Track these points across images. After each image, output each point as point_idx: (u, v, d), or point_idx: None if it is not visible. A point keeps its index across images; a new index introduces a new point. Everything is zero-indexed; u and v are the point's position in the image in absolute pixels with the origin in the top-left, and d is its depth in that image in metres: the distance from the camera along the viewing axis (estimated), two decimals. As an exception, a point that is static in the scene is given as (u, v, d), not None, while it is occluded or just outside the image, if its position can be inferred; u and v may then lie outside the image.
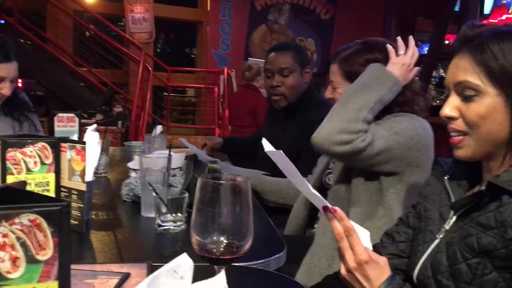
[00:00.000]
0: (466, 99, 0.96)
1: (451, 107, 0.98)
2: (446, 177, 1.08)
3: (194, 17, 8.76)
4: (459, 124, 0.98)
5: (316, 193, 0.95)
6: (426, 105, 1.57)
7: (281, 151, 0.89)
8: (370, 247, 1.00)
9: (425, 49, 8.18)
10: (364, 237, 1.01)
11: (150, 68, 7.45)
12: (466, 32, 0.99)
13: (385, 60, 1.51)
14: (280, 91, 2.19)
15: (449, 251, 0.96)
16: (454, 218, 1.02)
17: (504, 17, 6.28)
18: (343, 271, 0.97)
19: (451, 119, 0.99)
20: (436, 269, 0.98)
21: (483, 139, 0.95)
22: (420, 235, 1.10)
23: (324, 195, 1.35)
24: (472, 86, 0.94)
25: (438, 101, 6.17)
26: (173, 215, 1.34)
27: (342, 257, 0.95)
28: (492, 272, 0.89)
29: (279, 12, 8.88)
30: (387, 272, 0.95)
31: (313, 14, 9.01)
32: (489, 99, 0.93)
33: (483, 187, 0.95)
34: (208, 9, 8.54)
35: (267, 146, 0.92)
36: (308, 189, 0.94)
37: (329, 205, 0.94)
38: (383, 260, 0.96)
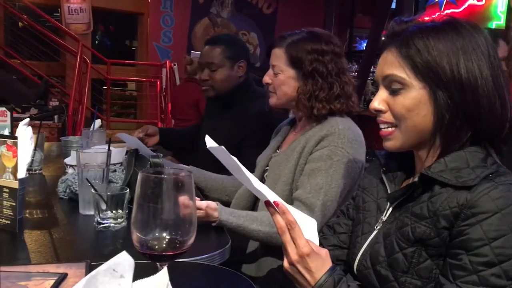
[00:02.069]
0: (393, 92, 0.99)
1: (379, 100, 1.01)
2: (382, 170, 1.11)
3: (134, 8, 8.52)
4: (387, 117, 1.01)
5: (261, 187, 0.95)
6: (358, 101, 1.63)
7: (223, 147, 0.88)
8: (317, 236, 1.02)
9: (364, 45, 8.44)
10: (311, 226, 1.03)
11: (88, 61, 7.18)
12: (393, 28, 1.02)
13: (332, 53, 1.55)
14: (208, 83, 2.19)
15: (386, 241, 0.99)
16: (391, 209, 1.05)
17: (436, 14, 6.59)
18: (285, 264, 0.98)
19: (379, 112, 1.02)
20: (374, 260, 1.01)
21: (410, 130, 0.98)
22: (358, 227, 1.13)
23: None
24: (398, 80, 0.97)
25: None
26: (113, 212, 1.30)
27: (285, 250, 0.96)
28: (427, 260, 0.93)
29: (221, 5, 8.84)
30: (328, 264, 0.97)
31: (256, 8, 9.04)
32: (414, 92, 0.96)
33: (415, 179, 0.99)
34: (149, 0, 8.35)
35: (209, 142, 0.91)
36: (251, 184, 0.94)
37: (271, 200, 0.94)
38: (324, 252, 0.98)
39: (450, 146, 0.96)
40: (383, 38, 1.09)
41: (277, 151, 1.70)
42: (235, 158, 0.92)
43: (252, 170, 1.13)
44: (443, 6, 6.60)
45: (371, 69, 6.57)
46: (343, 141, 1.47)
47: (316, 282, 0.95)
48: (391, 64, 0.98)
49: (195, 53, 5.27)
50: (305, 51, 1.54)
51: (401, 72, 0.96)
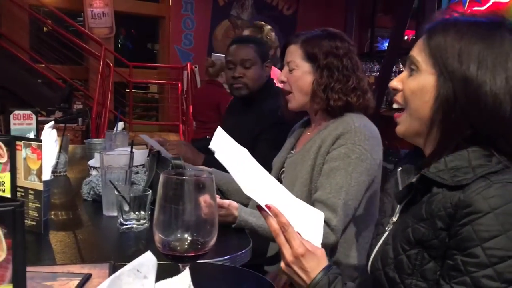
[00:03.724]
0: (410, 73, 1.00)
1: (398, 79, 1.03)
2: (399, 169, 1.10)
3: (155, 11, 8.61)
4: (398, 97, 1.02)
5: (255, 193, 0.96)
6: (373, 100, 1.62)
7: (231, 140, 0.90)
8: (321, 231, 1.04)
9: (385, 45, 8.35)
10: (316, 221, 1.04)
11: (111, 64, 7.28)
12: (436, 15, 1.03)
13: (346, 49, 1.55)
14: (242, 81, 2.19)
15: (394, 243, 0.98)
16: (399, 210, 1.04)
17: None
18: (282, 265, 0.99)
19: (395, 90, 1.03)
20: (384, 261, 1.00)
21: (413, 115, 0.98)
22: (376, 228, 1.13)
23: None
24: (414, 61, 0.98)
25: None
26: (136, 213, 1.31)
27: (281, 252, 0.98)
28: (430, 262, 0.91)
29: (241, 7, 8.86)
30: (323, 263, 0.98)
31: (276, 10, 9.04)
32: (423, 76, 0.96)
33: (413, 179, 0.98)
34: (170, 3, 8.43)
35: (213, 144, 0.96)
36: (247, 188, 0.95)
37: (263, 204, 0.95)
38: (320, 251, 0.99)
39: (446, 141, 0.94)
40: (405, 37, 1.09)
41: (292, 152, 1.70)
42: (245, 150, 0.93)
43: (262, 163, 1.13)
44: (467, 4, 6.48)
45: (393, 69, 6.49)
46: (360, 138, 1.46)
47: (311, 281, 0.96)
48: (417, 46, 1.00)
49: (216, 55, 5.30)
50: (320, 46, 1.55)
51: (418, 55, 0.98)
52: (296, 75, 1.58)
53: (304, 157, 1.55)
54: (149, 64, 8.75)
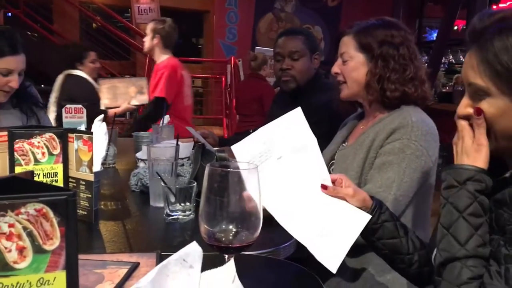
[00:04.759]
0: (478, 99, 0.95)
1: (464, 106, 0.98)
2: None
3: (200, 6, 8.71)
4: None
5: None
6: (431, 92, 1.55)
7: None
8: (359, 231, 1.05)
9: (434, 35, 8.08)
10: (361, 221, 1.04)
11: (157, 59, 7.42)
12: (474, 25, 0.97)
13: (402, 38, 1.50)
14: (290, 73, 2.18)
15: None
16: None
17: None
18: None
19: (469, 116, 0.98)
20: None
21: (499, 136, 0.95)
22: None
23: None
24: (479, 88, 0.93)
25: (447, 88, 6.10)
26: (182, 204, 1.34)
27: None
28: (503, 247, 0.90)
29: (285, 0, 8.81)
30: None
31: (320, 1, 8.93)
32: (497, 100, 0.92)
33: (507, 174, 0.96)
34: (214, -2, 8.50)
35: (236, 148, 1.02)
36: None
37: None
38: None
39: None
40: (455, 28, 1.04)
41: (343, 144, 1.67)
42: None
43: None
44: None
45: (442, 60, 6.28)
46: (417, 133, 1.41)
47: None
48: (472, 69, 0.94)
49: (259, 49, 5.31)
50: (375, 35, 1.50)
51: (480, 80, 0.93)
52: (350, 66, 1.55)
53: (357, 150, 1.52)
54: (194, 58, 8.87)
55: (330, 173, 1.65)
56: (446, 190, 0.96)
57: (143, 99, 3.54)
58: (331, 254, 1.01)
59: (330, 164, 1.67)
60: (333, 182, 1.14)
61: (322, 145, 1.80)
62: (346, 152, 1.58)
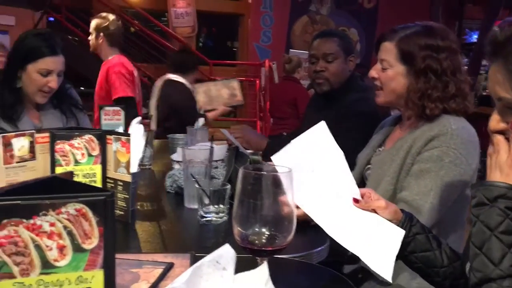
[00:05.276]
0: (510, 113, 0.93)
1: (497, 120, 0.96)
2: None
3: (235, 9, 8.78)
4: None
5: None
6: (473, 102, 1.51)
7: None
8: (398, 247, 1.02)
9: (474, 37, 7.86)
10: (397, 236, 1.01)
11: (193, 62, 7.52)
12: (496, 36, 0.92)
13: (447, 50, 1.44)
14: (324, 75, 2.17)
15: None
16: None
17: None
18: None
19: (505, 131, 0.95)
20: None
21: None
22: None
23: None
24: (510, 103, 0.90)
25: (487, 91, 5.92)
26: (215, 206, 1.35)
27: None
28: None
29: (321, 2, 8.77)
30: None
31: (356, 3, 8.84)
32: None
33: None
34: (250, 1, 8.54)
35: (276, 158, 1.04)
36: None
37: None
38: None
39: None
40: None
41: (379, 149, 1.64)
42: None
43: (345, 155, 1.11)
44: None
45: (482, 63, 6.11)
46: (456, 141, 1.37)
47: None
48: (499, 84, 0.91)
49: (294, 51, 5.31)
50: (418, 46, 1.44)
51: (510, 95, 0.89)
52: (389, 75, 1.51)
53: (393, 156, 1.49)
54: (229, 61, 8.94)
55: (366, 178, 1.64)
56: (476, 208, 0.93)
57: (237, 100, 3.55)
58: (382, 263, 1.00)
59: (366, 169, 1.65)
60: (362, 196, 1.12)
61: (357, 149, 1.79)
62: (383, 157, 1.55)
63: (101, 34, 3.31)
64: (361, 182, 1.65)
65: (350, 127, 1.97)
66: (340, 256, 1.60)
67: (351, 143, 1.74)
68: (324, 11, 8.80)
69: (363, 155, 1.69)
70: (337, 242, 1.33)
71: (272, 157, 1.10)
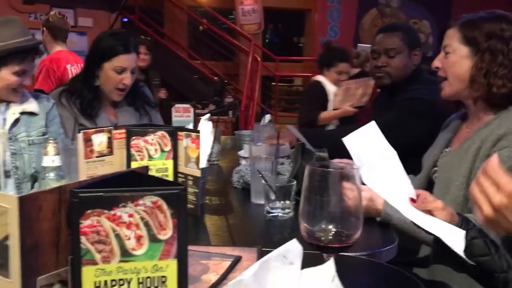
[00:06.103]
0: None
1: None
2: None
3: (302, 5, 8.73)
4: None
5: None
6: None
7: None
8: (463, 247, 0.97)
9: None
10: (457, 237, 0.99)
11: (259, 59, 7.58)
12: None
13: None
14: (385, 71, 2.12)
15: None
16: None
17: None
18: (488, 212, 0.87)
19: None
20: None
21: None
22: None
23: (431, 192, 1.27)
24: None
25: None
26: (282, 202, 1.36)
27: (481, 200, 0.88)
28: None
29: (391, -6, 8.51)
30: None
31: (428, -6, 8.49)
32: None
33: None
34: (316, -4, 8.47)
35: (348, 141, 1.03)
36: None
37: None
38: None
39: None
40: None
41: (446, 149, 1.57)
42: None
43: (386, 131, 1.09)
44: None
45: None
46: None
47: None
48: None
49: (361, 46, 5.19)
50: (481, 27, 1.40)
51: None
52: (452, 60, 1.46)
53: (461, 158, 1.41)
54: (294, 57, 8.91)
55: (433, 180, 1.57)
56: None
57: (364, 100, 3.32)
58: (456, 243, 0.98)
59: (432, 172, 1.58)
60: (417, 197, 1.08)
61: (423, 146, 1.72)
62: (450, 159, 1.48)
63: (44, 28, 3.49)
64: (429, 186, 1.59)
65: (420, 134, 1.91)
66: (409, 256, 1.56)
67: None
68: (394, 3, 8.53)
69: (429, 157, 1.62)
70: (408, 243, 1.30)
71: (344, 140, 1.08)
